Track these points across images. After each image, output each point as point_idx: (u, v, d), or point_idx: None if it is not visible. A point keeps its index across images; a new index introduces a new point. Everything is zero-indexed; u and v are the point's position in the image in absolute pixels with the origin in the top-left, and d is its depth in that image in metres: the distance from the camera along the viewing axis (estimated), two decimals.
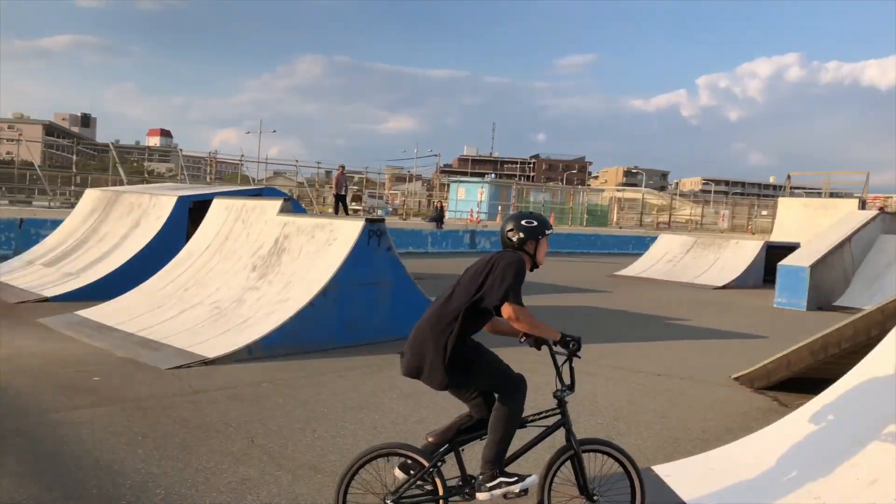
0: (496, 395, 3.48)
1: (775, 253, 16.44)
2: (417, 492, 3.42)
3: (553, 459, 3.49)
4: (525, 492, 3.38)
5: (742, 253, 17.62)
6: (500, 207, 49.15)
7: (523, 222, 3.63)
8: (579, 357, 3.46)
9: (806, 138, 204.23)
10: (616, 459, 3.55)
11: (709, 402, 6.22)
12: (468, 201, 48.70)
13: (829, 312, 12.98)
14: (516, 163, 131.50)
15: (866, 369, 4.49)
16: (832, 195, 27.61)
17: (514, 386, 3.48)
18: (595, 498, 3.50)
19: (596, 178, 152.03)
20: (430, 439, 3.48)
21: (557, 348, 3.46)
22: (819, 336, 5.68)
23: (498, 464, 3.43)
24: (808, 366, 5.91)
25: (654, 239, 22.00)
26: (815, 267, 13.47)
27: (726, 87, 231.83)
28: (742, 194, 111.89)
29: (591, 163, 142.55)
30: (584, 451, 3.49)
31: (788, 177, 29.84)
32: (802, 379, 6.25)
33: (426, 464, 3.36)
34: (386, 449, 3.38)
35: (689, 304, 13.43)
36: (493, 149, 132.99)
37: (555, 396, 3.49)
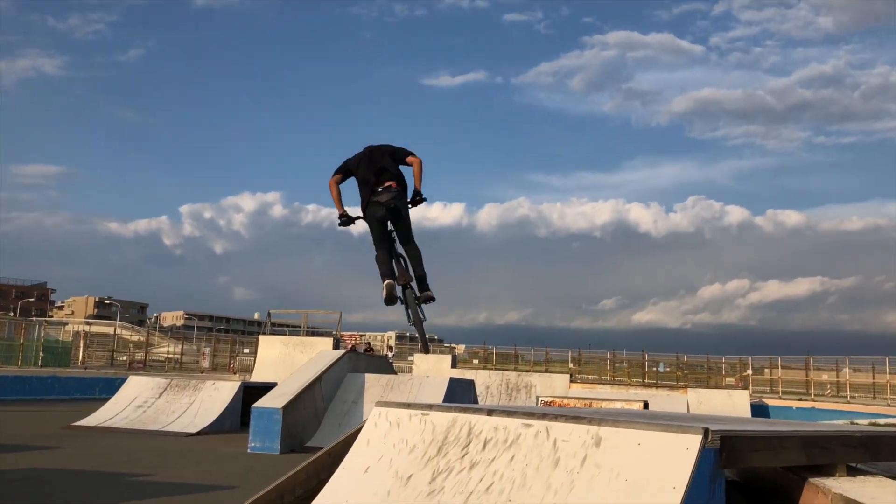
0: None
1: (253, 393, 16.93)
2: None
3: None
4: None
5: (218, 395, 17.73)
6: None
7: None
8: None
9: (289, 275, 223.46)
10: None
11: None
12: None
13: (301, 454, 13.75)
14: None
15: None
16: (311, 333, 30.29)
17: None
18: None
19: (61, 308, 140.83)
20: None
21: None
22: (275, 484, 5.82)
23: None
24: None
25: (124, 380, 20.76)
26: (288, 408, 14.27)
27: (211, 217, 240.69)
28: (226, 331, 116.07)
29: (54, 290, 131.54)
30: None
31: (269, 314, 31.60)
32: None
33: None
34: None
35: (157, 455, 12.75)
36: None
37: None
